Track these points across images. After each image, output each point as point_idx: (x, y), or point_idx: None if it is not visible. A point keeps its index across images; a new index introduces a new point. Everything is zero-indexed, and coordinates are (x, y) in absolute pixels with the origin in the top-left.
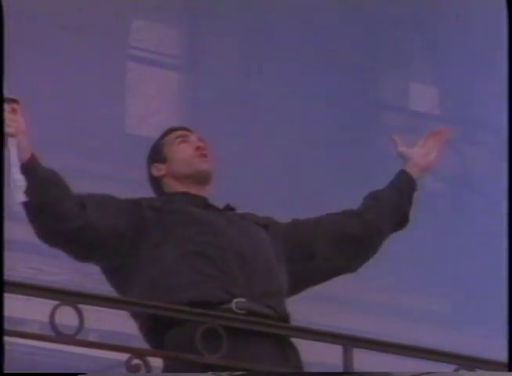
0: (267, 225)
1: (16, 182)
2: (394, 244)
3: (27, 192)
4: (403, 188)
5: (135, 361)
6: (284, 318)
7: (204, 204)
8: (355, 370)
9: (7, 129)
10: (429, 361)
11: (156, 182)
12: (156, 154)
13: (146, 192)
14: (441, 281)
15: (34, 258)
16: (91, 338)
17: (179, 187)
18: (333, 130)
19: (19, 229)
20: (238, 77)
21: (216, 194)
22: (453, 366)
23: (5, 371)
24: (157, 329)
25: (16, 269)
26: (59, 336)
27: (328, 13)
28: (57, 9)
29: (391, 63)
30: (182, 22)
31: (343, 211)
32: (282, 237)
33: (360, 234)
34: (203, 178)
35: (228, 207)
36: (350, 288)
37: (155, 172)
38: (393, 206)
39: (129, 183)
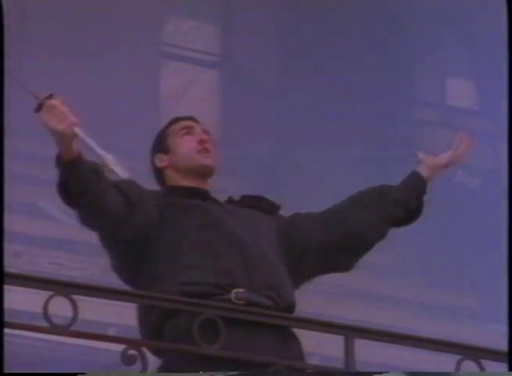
0: (273, 210)
1: (112, 160)
2: (423, 241)
3: (73, 186)
4: (411, 185)
5: (131, 352)
6: (285, 309)
7: (206, 197)
8: (357, 361)
9: (71, 119)
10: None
11: (158, 172)
12: (160, 144)
13: None
14: (469, 277)
15: (55, 254)
16: (110, 332)
17: (181, 180)
18: (368, 126)
19: (42, 225)
20: (274, 74)
21: (250, 187)
22: (457, 357)
23: (5, 371)
24: (155, 320)
25: (38, 264)
26: (53, 327)
27: (363, 9)
28: (89, 7)
29: (427, 58)
30: (217, 18)
31: (337, 209)
32: (282, 230)
33: (353, 232)
34: (205, 173)
35: (231, 200)
36: (379, 284)
37: (158, 163)
38: (396, 204)
39: None
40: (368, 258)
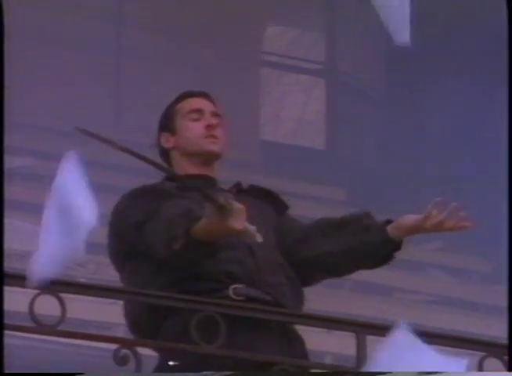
0: (282, 209)
1: (254, 229)
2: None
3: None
4: (374, 236)
5: (124, 352)
6: (285, 306)
7: (213, 185)
8: (368, 358)
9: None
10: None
11: (164, 152)
12: (168, 122)
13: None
14: None
15: None
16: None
17: (186, 164)
18: (470, 132)
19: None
20: (381, 82)
21: (351, 195)
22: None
23: (5, 371)
24: (150, 319)
25: (105, 273)
26: (40, 326)
27: (469, 21)
28: (191, 15)
29: None
30: (320, 25)
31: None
32: (280, 227)
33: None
34: (211, 158)
35: (239, 188)
36: (474, 292)
37: (163, 142)
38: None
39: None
40: (463, 266)
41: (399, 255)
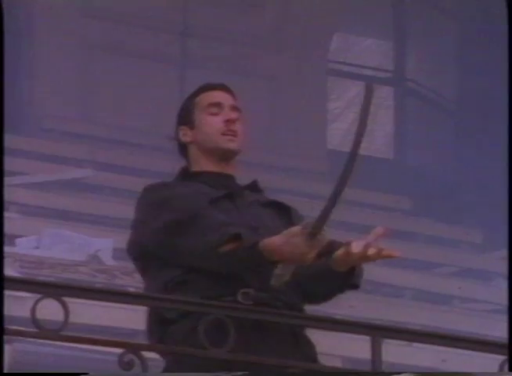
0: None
1: None
2: None
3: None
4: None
5: (129, 357)
6: (296, 310)
7: (230, 184)
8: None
9: None
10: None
11: (182, 145)
12: (186, 115)
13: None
14: None
15: None
16: None
17: (203, 160)
18: None
19: None
20: (453, 91)
21: (417, 204)
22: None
23: (5, 371)
24: (157, 323)
25: None
26: (42, 331)
27: None
28: (254, 25)
29: None
30: (389, 34)
31: None
32: None
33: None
34: (228, 156)
35: (254, 186)
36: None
37: (181, 136)
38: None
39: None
40: None
41: (462, 263)
